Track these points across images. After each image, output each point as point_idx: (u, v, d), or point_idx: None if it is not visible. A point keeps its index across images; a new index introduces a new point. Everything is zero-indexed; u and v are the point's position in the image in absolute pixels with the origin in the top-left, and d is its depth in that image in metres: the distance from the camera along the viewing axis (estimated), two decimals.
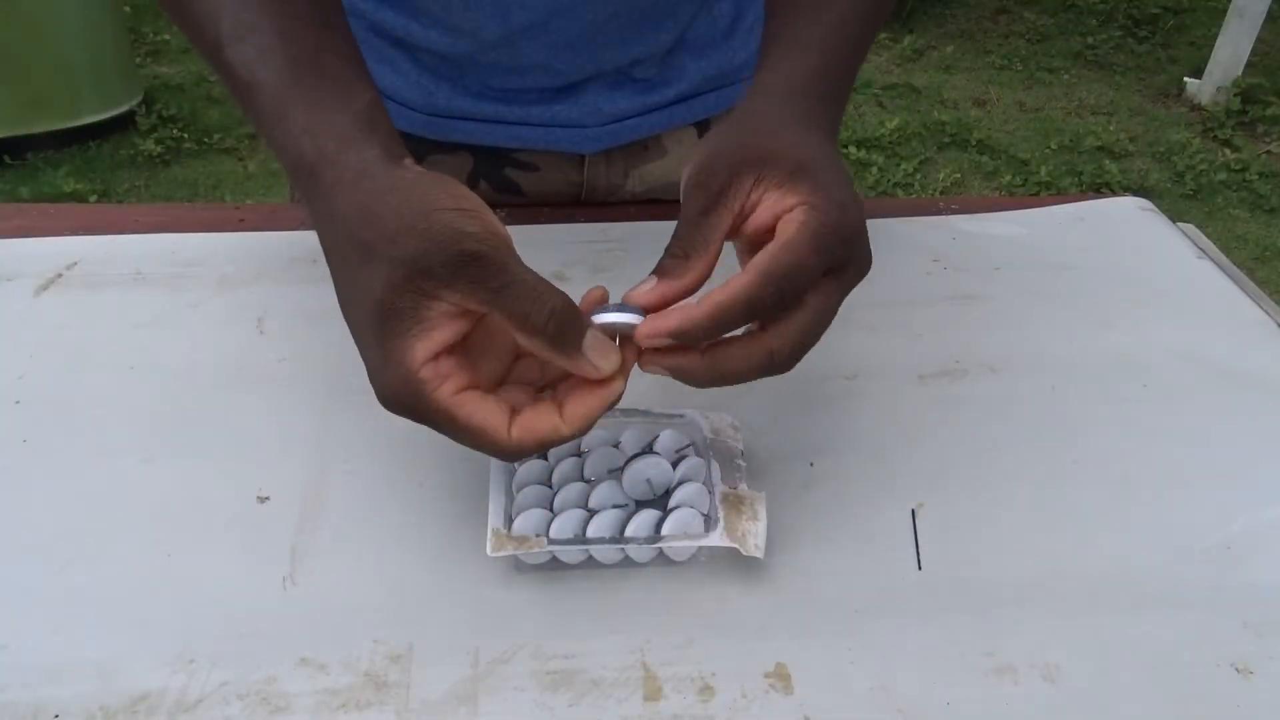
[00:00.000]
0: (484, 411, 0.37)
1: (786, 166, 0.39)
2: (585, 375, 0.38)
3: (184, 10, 0.46)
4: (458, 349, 0.38)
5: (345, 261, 0.38)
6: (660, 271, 0.40)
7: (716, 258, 0.40)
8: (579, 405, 0.38)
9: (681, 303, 0.39)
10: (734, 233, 0.41)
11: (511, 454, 0.38)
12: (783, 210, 0.39)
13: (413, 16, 0.64)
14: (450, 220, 0.36)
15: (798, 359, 0.40)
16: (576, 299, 0.38)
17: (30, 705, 0.37)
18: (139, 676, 0.38)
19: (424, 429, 0.38)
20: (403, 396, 0.37)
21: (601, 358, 0.37)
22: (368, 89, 0.43)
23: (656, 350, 0.39)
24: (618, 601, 0.42)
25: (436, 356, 0.37)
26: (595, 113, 0.68)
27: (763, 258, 0.38)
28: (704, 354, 0.39)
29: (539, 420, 0.37)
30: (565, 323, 0.36)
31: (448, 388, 0.37)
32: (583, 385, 0.38)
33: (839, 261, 0.39)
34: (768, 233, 0.39)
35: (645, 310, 0.39)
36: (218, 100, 3.26)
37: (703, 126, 0.74)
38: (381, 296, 0.36)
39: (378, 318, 0.36)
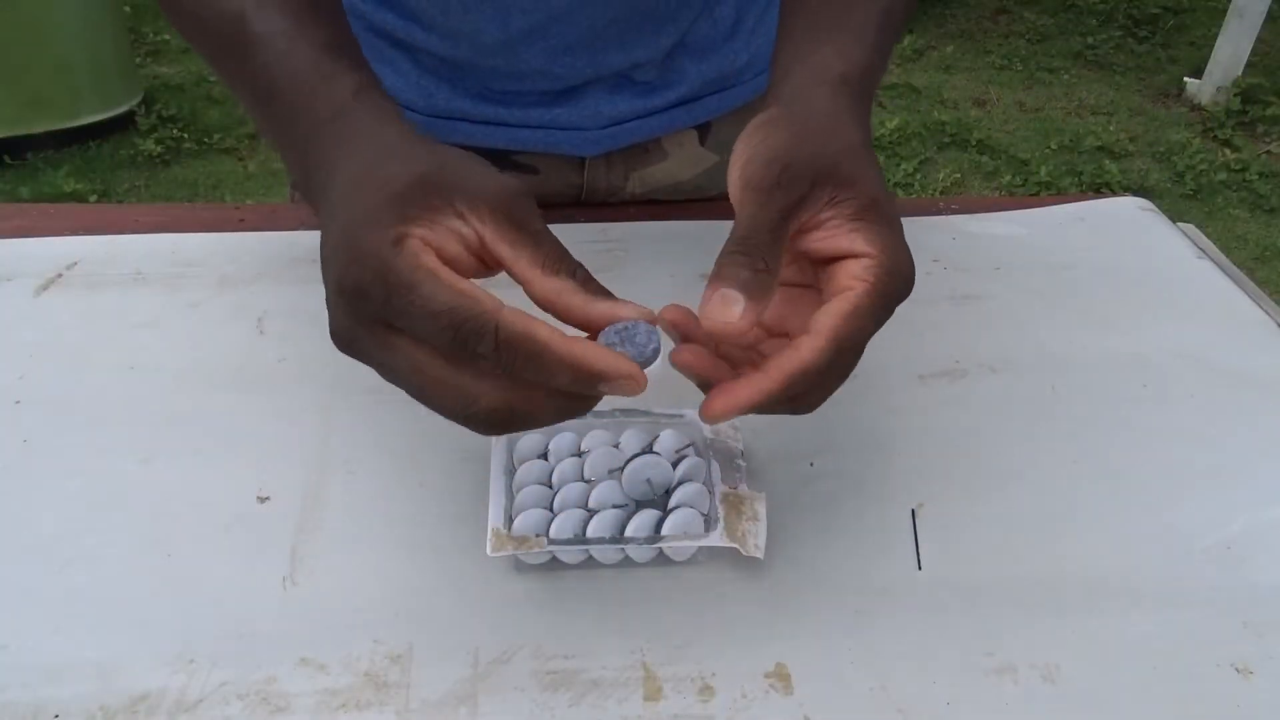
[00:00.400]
0: (478, 290, 0.32)
1: (861, 199, 0.37)
2: (604, 314, 0.34)
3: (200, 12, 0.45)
4: None
5: (374, 159, 0.36)
6: (742, 286, 0.35)
7: None
8: (590, 346, 0.33)
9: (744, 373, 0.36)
10: None
11: (480, 332, 0.31)
12: (849, 252, 0.37)
13: (412, 20, 0.64)
14: (505, 177, 0.36)
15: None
16: None
17: (30, 705, 0.37)
18: (139, 676, 0.38)
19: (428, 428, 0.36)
20: (366, 257, 0.32)
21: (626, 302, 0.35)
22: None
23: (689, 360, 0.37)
24: (618, 601, 0.42)
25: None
26: (595, 115, 0.68)
27: (834, 322, 0.36)
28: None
29: (540, 324, 0.32)
30: (590, 278, 0.35)
31: (434, 260, 0.33)
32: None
33: (885, 321, 0.38)
34: (823, 260, 0.38)
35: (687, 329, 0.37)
36: (218, 100, 3.26)
37: (703, 129, 0.74)
38: (410, 182, 0.34)
39: (386, 199, 0.34)
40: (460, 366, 0.33)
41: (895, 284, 0.37)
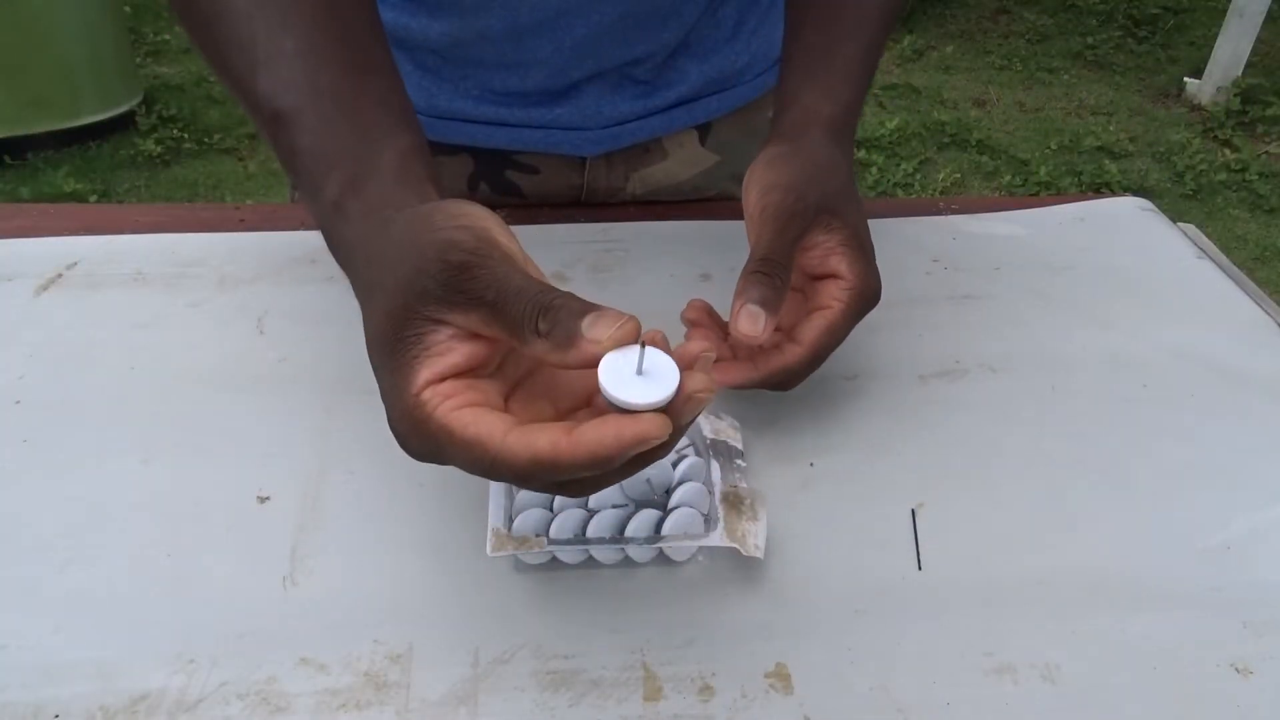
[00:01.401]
0: (483, 422, 0.32)
1: (847, 229, 0.47)
2: (586, 361, 0.31)
3: (213, 30, 0.44)
4: (471, 374, 0.34)
5: (362, 307, 0.37)
6: (763, 301, 0.43)
7: None
8: (591, 429, 0.31)
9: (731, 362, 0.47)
10: None
11: (502, 467, 0.32)
12: (834, 273, 0.47)
13: (413, 15, 0.64)
14: (444, 236, 0.34)
15: None
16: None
17: (30, 705, 0.37)
18: (139, 676, 0.38)
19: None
20: (408, 424, 0.33)
21: (597, 328, 0.31)
22: (402, 135, 0.42)
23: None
24: (618, 601, 0.42)
25: (442, 380, 0.33)
26: (596, 115, 0.68)
27: (814, 336, 0.46)
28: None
29: (540, 433, 0.31)
30: (558, 318, 0.32)
31: (448, 405, 0.33)
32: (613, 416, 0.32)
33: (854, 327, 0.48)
34: (810, 276, 0.49)
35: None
36: (218, 100, 3.26)
37: (703, 129, 0.74)
38: (386, 328, 0.34)
39: (386, 352, 0.34)
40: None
41: (864, 303, 0.48)
